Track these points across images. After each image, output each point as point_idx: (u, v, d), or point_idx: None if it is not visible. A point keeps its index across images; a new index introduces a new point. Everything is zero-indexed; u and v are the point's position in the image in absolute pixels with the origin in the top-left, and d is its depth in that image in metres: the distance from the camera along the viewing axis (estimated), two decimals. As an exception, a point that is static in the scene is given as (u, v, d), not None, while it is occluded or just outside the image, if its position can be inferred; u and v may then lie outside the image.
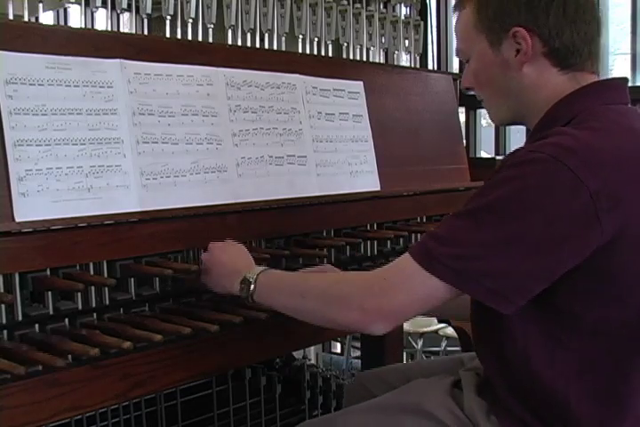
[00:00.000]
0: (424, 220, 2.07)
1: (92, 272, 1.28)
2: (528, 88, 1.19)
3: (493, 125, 3.34)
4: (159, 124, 1.45)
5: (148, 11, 1.67)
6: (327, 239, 1.71)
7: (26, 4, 1.48)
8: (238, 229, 1.38)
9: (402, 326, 2.54)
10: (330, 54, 2.11)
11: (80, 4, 1.62)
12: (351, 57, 2.18)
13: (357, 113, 1.94)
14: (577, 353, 1.12)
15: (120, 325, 1.23)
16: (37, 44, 1.31)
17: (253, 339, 1.36)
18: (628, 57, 3.14)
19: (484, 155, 3.50)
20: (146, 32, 1.74)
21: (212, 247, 1.35)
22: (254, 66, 1.68)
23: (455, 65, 3.46)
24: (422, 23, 2.46)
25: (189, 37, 1.75)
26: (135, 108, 1.42)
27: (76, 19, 3.17)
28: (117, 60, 1.41)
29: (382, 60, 2.42)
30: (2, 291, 1.16)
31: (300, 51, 2.01)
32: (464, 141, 2.48)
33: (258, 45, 1.91)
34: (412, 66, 2.44)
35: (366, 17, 2.23)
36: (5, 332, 1.17)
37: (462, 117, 3.08)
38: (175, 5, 1.70)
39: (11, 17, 1.46)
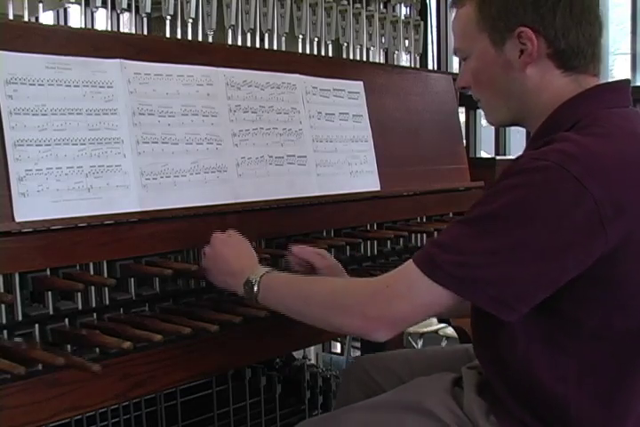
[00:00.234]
0: (424, 220, 2.07)
1: (92, 272, 1.28)
2: (530, 90, 1.17)
3: (493, 125, 3.32)
4: (159, 124, 1.45)
5: (148, 11, 1.67)
6: (327, 239, 1.71)
7: (26, 4, 1.48)
8: (238, 229, 1.38)
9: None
10: (330, 54, 2.10)
11: (80, 4, 1.62)
12: (351, 57, 2.18)
13: (357, 113, 1.94)
14: (578, 357, 1.11)
15: (120, 325, 1.23)
16: (37, 44, 1.30)
17: (253, 339, 1.36)
18: (628, 57, 3.13)
19: (484, 155, 3.49)
20: (146, 32, 1.75)
21: (214, 240, 1.34)
22: (254, 66, 1.68)
23: (455, 65, 3.45)
24: (422, 23, 2.46)
25: (189, 37, 1.75)
26: (135, 108, 1.42)
27: (75, 19, 3.15)
28: (117, 60, 1.41)
29: (382, 60, 2.42)
30: (2, 291, 1.16)
31: (300, 51, 2.01)
32: (464, 141, 2.47)
33: (258, 45, 1.91)
34: (412, 66, 2.44)
35: (366, 17, 2.23)
36: (5, 332, 1.17)
37: (462, 117, 3.07)
38: (175, 5, 1.70)
39: (11, 17, 1.45)
